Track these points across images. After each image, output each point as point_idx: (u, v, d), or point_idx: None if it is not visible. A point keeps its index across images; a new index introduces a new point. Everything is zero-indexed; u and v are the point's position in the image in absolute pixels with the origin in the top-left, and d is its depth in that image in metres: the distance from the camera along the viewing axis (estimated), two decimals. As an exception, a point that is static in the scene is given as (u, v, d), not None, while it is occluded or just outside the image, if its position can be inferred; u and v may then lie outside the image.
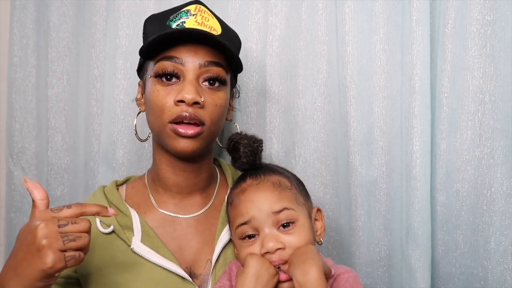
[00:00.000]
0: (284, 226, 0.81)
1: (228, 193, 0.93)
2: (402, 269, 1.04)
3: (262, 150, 0.90)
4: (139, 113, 0.96)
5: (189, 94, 0.82)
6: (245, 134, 0.90)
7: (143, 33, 0.94)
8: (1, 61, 1.26)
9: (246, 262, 0.80)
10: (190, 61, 0.85)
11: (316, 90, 1.12)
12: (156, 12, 1.17)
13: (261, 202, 0.82)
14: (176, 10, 0.91)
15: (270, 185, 0.85)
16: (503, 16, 0.98)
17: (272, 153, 1.15)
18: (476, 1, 1.00)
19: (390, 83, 1.06)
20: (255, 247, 0.81)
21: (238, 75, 0.98)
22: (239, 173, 0.99)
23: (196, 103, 0.83)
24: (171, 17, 0.89)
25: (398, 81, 1.06)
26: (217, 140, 0.98)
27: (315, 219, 0.88)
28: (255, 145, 0.89)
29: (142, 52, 0.88)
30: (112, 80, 1.17)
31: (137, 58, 1.16)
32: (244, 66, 1.13)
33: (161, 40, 0.84)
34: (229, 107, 0.96)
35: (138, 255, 0.85)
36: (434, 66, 1.03)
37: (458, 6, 1.01)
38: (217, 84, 0.87)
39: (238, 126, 1.02)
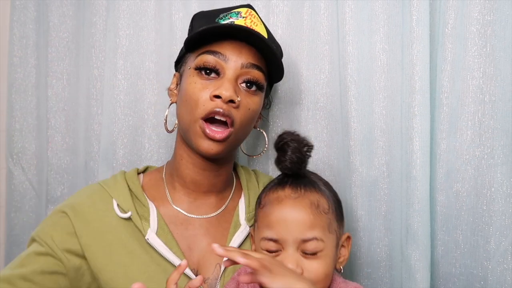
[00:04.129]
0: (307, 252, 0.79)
1: (261, 192, 0.89)
2: (402, 269, 1.04)
3: (310, 156, 0.85)
4: (170, 104, 0.95)
5: (227, 91, 0.82)
6: (297, 136, 0.84)
7: (190, 27, 0.94)
8: (1, 61, 1.26)
9: None
10: (233, 60, 0.85)
11: (318, 90, 1.12)
12: (155, 12, 1.18)
13: (293, 224, 0.78)
14: (226, 10, 0.92)
15: (308, 204, 0.80)
16: (503, 16, 0.98)
17: (275, 153, 1.14)
18: (476, 1, 1.00)
19: (390, 83, 1.06)
20: None
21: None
22: (254, 179, 0.98)
23: (231, 101, 0.83)
24: (221, 15, 0.90)
25: (398, 81, 1.06)
26: (241, 147, 0.98)
27: (342, 245, 0.85)
28: (304, 149, 0.83)
29: (187, 42, 0.87)
30: (112, 80, 1.17)
31: (137, 58, 1.17)
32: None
33: (208, 34, 0.84)
34: (259, 115, 0.95)
35: (152, 247, 0.84)
36: (434, 66, 1.03)
37: (458, 6, 1.01)
38: (254, 87, 0.87)
39: (266, 135, 1.01)
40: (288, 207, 0.80)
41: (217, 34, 0.84)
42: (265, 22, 1.14)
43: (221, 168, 0.92)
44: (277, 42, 0.96)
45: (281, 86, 1.14)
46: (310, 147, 0.84)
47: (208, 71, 0.85)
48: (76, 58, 1.26)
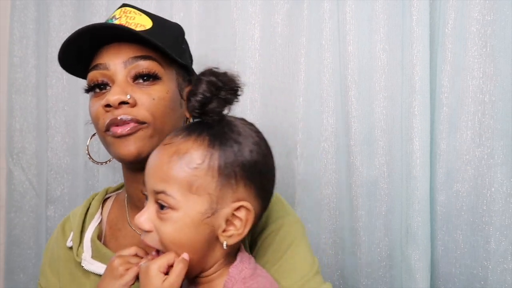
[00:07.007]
0: (162, 207, 0.66)
1: None
2: (402, 269, 1.04)
3: (227, 99, 0.66)
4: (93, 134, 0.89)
5: (112, 96, 0.75)
6: (224, 73, 0.66)
7: None
8: (1, 61, 1.26)
9: None
10: (113, 63, 0.78)
11: (318, 89, 1.12)
12: (156, 12, 1.17)
13: (149, 171, 0.68)
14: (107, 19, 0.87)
15: (170, 153, 0.66)
16: (503, 16, 0.98)
17: (274, 152, 1.14)
18: (476, 1, 1.00)
19: (390, 83, 1.06)
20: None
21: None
22: None
23: (123, 102, 0.76)
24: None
25: (398, 81, 1.06)
26: None
27: (235, 216, 0.67)
28: (220, 84, 0.65)
29: (70, 71, 0.86)
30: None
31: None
32: (246, 65, 1.11)
33: (84, 50, 0.80)
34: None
35: (89, 271, 0.82)
36: (434, 66, 1.03)
37: (458, 6, 1.01)
38: (151, 79, 0.79)
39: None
40: (153, 153, 0.69)
41: (90, 47, 0.80)
42: (265, 21, 1.14)
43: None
44: (169, 24, 0.89)
45: (281, 86, 1.14)
46: (231, 87, 0.66)
47: (101, 87, 0.79)
48: (76, 58, 1.26)
